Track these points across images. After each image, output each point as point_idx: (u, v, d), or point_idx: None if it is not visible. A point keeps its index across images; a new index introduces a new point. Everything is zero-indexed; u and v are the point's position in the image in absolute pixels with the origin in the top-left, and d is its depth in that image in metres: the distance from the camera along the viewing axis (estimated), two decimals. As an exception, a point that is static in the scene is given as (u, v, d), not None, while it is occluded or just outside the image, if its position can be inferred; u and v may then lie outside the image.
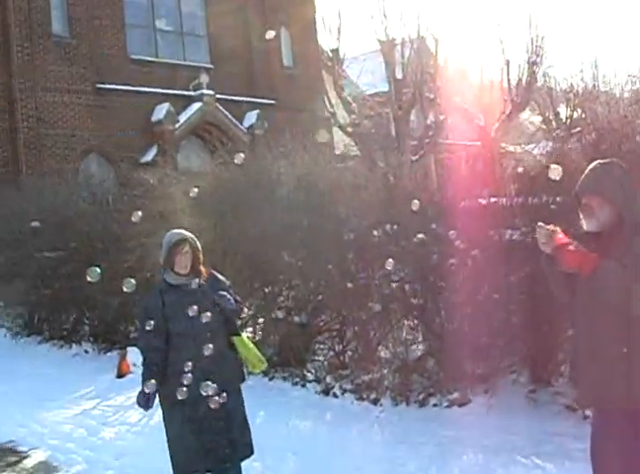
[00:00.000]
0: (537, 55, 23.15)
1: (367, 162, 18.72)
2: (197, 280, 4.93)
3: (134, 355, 9.40)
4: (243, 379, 5.10)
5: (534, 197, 7.59)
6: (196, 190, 7.58)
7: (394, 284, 8.06)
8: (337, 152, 21.88)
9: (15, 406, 8.49)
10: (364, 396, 7.50)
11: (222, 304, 4.88)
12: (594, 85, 22.12)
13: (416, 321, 8.00)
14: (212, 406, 4.69)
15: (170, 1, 21.75)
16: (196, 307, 4.79)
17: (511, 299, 7.26)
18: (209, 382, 4.70)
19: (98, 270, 4.89)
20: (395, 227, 7.52)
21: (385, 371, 7.73)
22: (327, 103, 23.91)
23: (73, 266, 11.57)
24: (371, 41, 29.59)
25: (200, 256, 5.02)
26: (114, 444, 7.09)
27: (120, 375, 9.49)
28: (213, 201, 9.31)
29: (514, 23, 26.26)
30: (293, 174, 9.30)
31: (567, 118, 22.81)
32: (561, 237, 3.87)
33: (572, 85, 23.36)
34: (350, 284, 7.83)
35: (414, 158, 21.40)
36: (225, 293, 4.92)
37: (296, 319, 8.46)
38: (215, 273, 5.14)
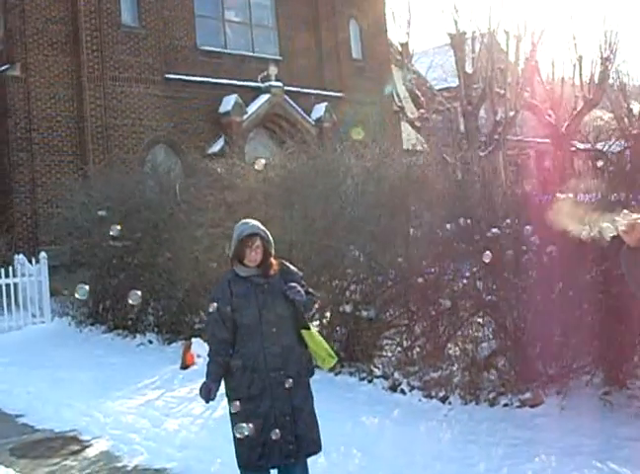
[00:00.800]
0: (611, 51, 22.60)
1: (435, 157, 18.50)
2: (267, 272, 4.79)
3: (199, 347, 9.38)
4: (311, 374, 4.93)
5: (613, 194, 7.32)
6: (262, 162, 7.46)
7: (465, 280, 7.86)
8: (405, 147, 21.68)
9: (78, 395, 8.44)
10: (433, 393, 7.29)
11: (292, 296, 4.72)
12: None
13: (486, 318, 7.78)
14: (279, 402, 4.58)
15: (240, -8, 21.77)
16: (264, 298, 4.67)
17: (586, 297, 7.01)
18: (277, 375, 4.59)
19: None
20: (468, 221, 7.28)
21: (454, 369, 7.51)
22: (395, 97, 23.74)
23: (139, 255, 11.65)
24: (441, 35, 29.20)
25: (272, 249, 4.87)
26: (177, 436, 6.97)
27: (184, 366, 9.43)
28: (281, 192, 9.22)
29: (587, 18, 25.67)
30: (363, 166, 9.15)
31: (640, 114, 22.14)
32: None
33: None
34: (420, 279, 7.63)
35: (482, 154, 21.06)
36: (295, 285, 4.75)
37: (364, 313, 8.29)
38: (287, 263, 4.99)
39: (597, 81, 22.47)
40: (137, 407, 8.02)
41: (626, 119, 23.26)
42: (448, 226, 7.38)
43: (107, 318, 12.71)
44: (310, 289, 5.07)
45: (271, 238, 4.88)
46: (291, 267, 4.98)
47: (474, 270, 7.43)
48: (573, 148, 21.07)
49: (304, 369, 4.86)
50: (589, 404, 6.66)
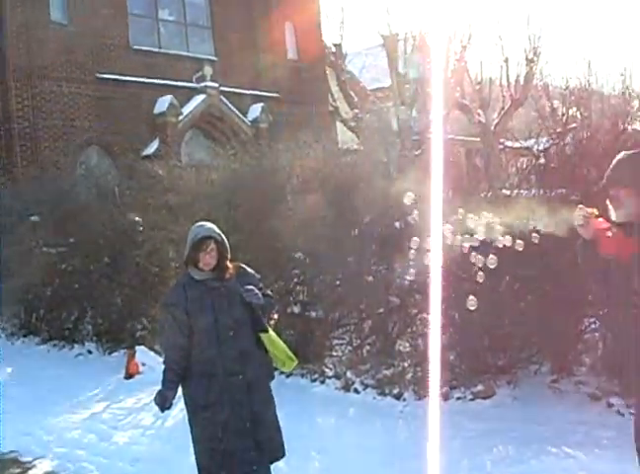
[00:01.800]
0: (534, 53, 23.16)
1: (370, 156, 18.63)
2: (222, 276, 4.69)
3: (143, 355, 9.14)
4: (272, 378, 4.85)
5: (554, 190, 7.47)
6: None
7: (412, 277, 7.88)
8: (340, 146, 21.73)
9: (16, 412, 7.76)
10: (387, 391, 7.30)
11: (249, 299, 4.63)
12: (587, 83, 22.15)
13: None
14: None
15: (174, -10, 21.46)
16: (220, 302, 4.58)
17: (530, 290, 7.13)
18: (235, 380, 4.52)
19: None
20: (416, 219, 7.29)
21: (406, 365, 7.52)
22: (330, 97, 23.81)
23: (75, 261, 11.26)
24: (375, 37, 29.41)
25: (227, 252, 4.76)
26: (128, 449, 6.66)
27: (128, 376, 9.06)
28: (225, 193, 9.08)
29: (512, 21, 26.36)
30: (308, 166, 9.09)
31: (563, 114, 22.69)
32: (600, 221, 3.78)
33: (567, 82, 23.37)
34: (370, 278, 7.62)
35: (416, 153, 21.28)
36: (252, 288, 4.66)
37: (313, 314, 8.24)
38: (244, 266, 4.90)
39: (522, 81, 23.01)
40: (82, 421, 7.59)
41: (550, 118, 23.89)
42: (397, 224, 7.38)
43: (41, 328, 12.07)
44: (268, 292, 4.99)
45: (226, 241, 4.78)
46: (249, 269, 4.89)
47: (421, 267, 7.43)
48: (502, 146, 21.51)
49: (264, 373, 4.78)
50: (539, 392, 6.83)
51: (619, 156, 3.96)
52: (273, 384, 4.92)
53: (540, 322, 6.94)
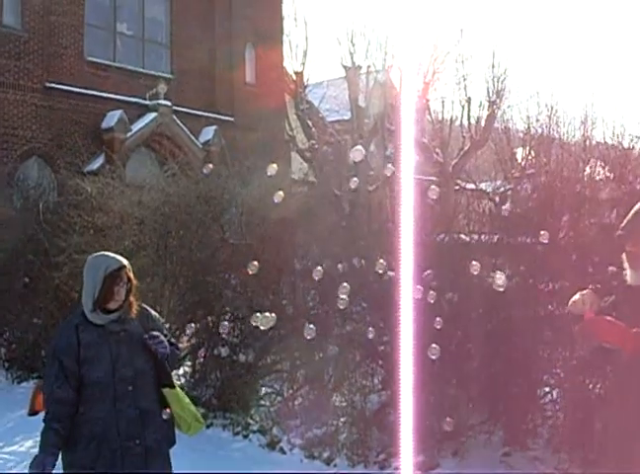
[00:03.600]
0: (497, 96, 22.99)
1: (324, 189, 18.18)
2: (125, 316, 3.89)
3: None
4: (172, 443, 4.04)
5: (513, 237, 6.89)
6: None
7: (353, 324, 7.21)
8: (294, 177, 21.14)
9: None
10: (316, 454, 6.49)
11: (153, 347, 3.84)
12: (549, 129, 22.06)
13: (376, 366, 7.13)
14: None
15: (134, 4, 20.66)
16: (119, 350, 3.79)
17: (485, 349, 6.46)
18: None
19: None
20: (363, 261, 6.61)
21: (341, 424, 6.76)
22: (287, 125, 23.30)
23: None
24: (336, 68, 29.07)
25: (135, 286, 3.97)
26: None
27: (32, 412, 8.10)
28: (157, 217, 8.29)
29: (477, 61, 26.29)
30: (249, 195, 8.37)
31: (523, 159, 22.60)
32: (593, 305, 3.10)
33: (529, 127, 23.25)
34: (305, 322, 6.88)
35: (371, 188, 20.87)
36: (158, 334, 3.88)
37: (242, 357, 7.46)
38: (147, 307, 4.10)
39: (483, 123, 22.78)
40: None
41: (509, 162, 23.71)
42: (340, 266, 6.68)
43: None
44: (173, 340, 4.21)
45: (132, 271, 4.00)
46: (152, 311, 4.10)
47: (367, 317, 6.75)
48: (458, 187, 21.18)
49: (165, 438, 3.97)
50: (489, 467, 6.08)
51: (638, 206, 3.31)
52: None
53: (493, 384, 6.29)
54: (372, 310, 6.89)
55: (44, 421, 3.85)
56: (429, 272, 6.21)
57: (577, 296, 3.18)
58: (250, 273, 6.53)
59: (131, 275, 3.93)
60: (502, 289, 3.56)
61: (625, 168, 7.31)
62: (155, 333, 3.88)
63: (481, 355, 6.53)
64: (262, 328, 4.76)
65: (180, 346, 6.76)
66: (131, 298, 3.92)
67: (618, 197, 6.72)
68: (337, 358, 7.22)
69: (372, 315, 6.99)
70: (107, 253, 4.05)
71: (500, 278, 3.83)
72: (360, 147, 3.97)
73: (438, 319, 5.63)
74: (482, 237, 7.18)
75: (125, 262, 3.94)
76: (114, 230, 8.51)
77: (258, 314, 4.65)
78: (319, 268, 7.19)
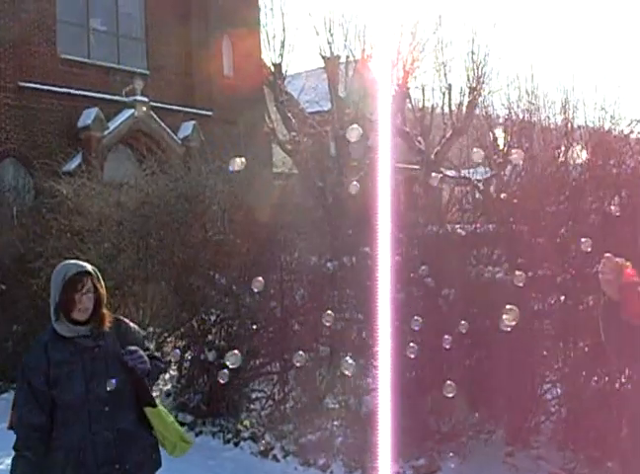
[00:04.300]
0: (478, 82, 22.79)
1: (306, 181, 17.91)
2: (98, 330, 3.58)
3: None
4: (157, 466, 3.74)
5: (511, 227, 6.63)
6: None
7: (344, 323, 6.94)
8: (276, 169, 20.83)
9: None
10: (311, 460, 6.19)
11: (131, 363, 3.54)
12: (530, 114, 21.91)
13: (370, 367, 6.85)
14: None
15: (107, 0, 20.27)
16: (93, 367, 3.49)
17: (482, 344, 6.21)
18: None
19: None
20: (353, 259, 6.33)
21: (335, 427, 6.48)
22: (267, 118, 22.99)
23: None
24: (315, 59, 28.80)
25: (104, 296, 3.65)
26: None
27: (12, 427, 7.75)
28: (137, 219, 7.97)
29: (457, 48, 26.16)
30: (231, 191, 8.05)
31: (504, 145, 22.47)
32: (631, 273, 2.84)
33: (510, 113, 23.09)
34: (295, 323, 6.62)
35: (354, 179, 20.60)
36: (136, 348, 3.57)
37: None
38: (124, 319, 3.79)
39: (464, 110, 22.57)
40: None
41: (491, 149, 23.56)
42: (330, 265, 6.40)
43: None
44: (156, 353, 3.89)
45: (102, 281, 3.69)
46: (131, 324, 3.78)
47: (359, 316, 6.48)
48: (441, 175, 20.95)
49: (148, 461, 3.67)
50: (492, 468, 5.83)
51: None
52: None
53: (492, 381, 6.03)
54: (363, 308, 6.62)
55: (14, 448, 3.55)
56: (423, 268, 5.95)
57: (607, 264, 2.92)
58: (255, 290, 6.26)
59: (100, 284, 3.63)
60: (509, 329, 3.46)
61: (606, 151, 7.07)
62: (133, 348, 3.57)
63: (479, 351, 6.29)
64: (230, 366, 4.74)
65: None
66: (103, 310, 3.62)
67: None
68: (329, 359, 6.96)
69: (364, 313, 6.73)
70: (72, 260, 3.75)
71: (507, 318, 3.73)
72: (356, 126, 3.87)
73: (416, 318, 5.42)
74: (475, 227, 6.92)
75: (89, 268, 3.64)
76: (92, 233, 8.19)
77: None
78: (307, 265, 6.96)
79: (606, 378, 5.81)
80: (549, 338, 6.12)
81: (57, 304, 3.57)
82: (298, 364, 4.93)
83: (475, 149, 4.03)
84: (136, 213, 7.94)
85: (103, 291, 3.66)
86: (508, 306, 3.72)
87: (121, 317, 3.79)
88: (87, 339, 3.57)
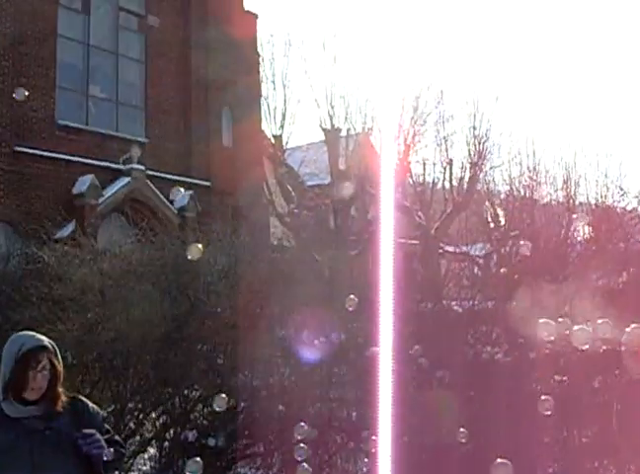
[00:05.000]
0: (479, 157, 22.79)
1: (304, 255, 17.64)
2: (51, 410, 3.21)
3: None
4: None
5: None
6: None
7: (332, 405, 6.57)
8: (273, 241, 20.61)
9: None
10: None
11: (86, 449, 3.15)
12: (532, 190, 21.85)
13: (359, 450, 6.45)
14: None
15: (108, 67, 20.37)
16: (43, 452, 3.11)
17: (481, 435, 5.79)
18: None
19: None
20: (343, 337, 5.99)
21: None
22: (266, 190, 22.87)
23: None
24: (316, 132, 28.94)
25: (61, 373, 3.30)
26: None
27: None
28: (120, 288, 7.64)
29: (458, 123, 26.16)
30: (220, 262, 7.77)
31: (506, 221, 22.31)
32: None
33: (511, 189, 23.02)
34: (281, 407, 6.21)
35: (353, 253, 20.34)
36: (94, 432, 3.20)
37: (211, 441, 6.73)
38: (83, 399, 3.42)
39: (465, 185, 22.49)
40: None
41: (492, 224, 23.41)
42: (317, 342, 6.05)
43: None
44: (117, 437, 3.51)
45: (59, 356, 3.34)
46: (90, 404, 3.41)
47: (348, 395, 6.10)
48: (441, 251, 20.76)
49: None
50: None
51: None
52: None
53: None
54: (354, 388, 6.25)
55: None
56: (417, 347, 5.59)
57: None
58: (217, 409, 5.92)
59: (57, 360, 3.28)
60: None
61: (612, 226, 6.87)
62: (89, 431, 3.20)
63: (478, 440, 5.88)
64: (217, 409, 4.51)
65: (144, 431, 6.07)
66: (58, 389, 3.26)
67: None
68: (319, 440, 6.53)
69: (354, 393, 6.35)
70: (28, 332, 3.41)
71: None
72: (195, 244, 3.83)
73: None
74: (473, 303, 6.63)
75: (47, 342, 3.30)
76: (73, 302, 7.84)
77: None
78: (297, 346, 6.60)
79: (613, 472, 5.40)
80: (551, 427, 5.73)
81: (7, 382, 3.23)
82: (300, 459, 4.52)
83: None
84: (120, 282, 7.62)
85: (60, 368, 3.31)
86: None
87: (80, 396, 3.44)
88: (37, 420, 3.20)
